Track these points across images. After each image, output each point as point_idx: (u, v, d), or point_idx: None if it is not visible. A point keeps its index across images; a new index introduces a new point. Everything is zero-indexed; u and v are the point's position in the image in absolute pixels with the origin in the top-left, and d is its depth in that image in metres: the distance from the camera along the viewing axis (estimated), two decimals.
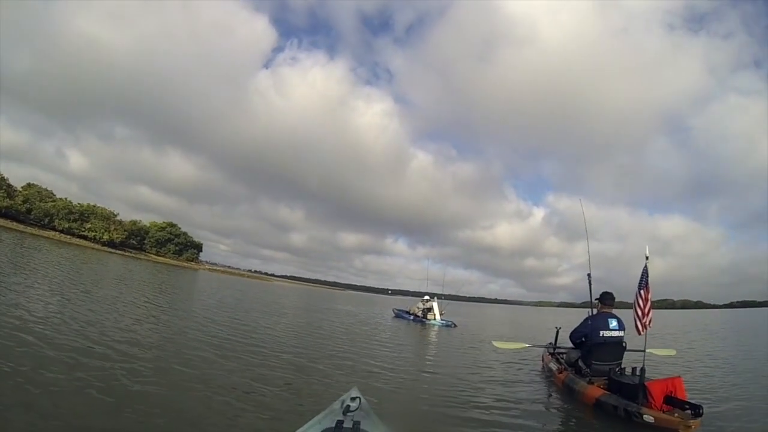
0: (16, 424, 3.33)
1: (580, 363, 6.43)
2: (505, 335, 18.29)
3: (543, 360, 8.45)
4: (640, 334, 5.36)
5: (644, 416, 4.66)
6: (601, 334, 6.21)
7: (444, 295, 25.47)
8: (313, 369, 6.84)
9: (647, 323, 5.32)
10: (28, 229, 51.84)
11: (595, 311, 6.89)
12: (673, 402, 4.81)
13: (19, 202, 55.51)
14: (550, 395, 6.48)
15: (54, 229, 58.63)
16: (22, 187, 59.88)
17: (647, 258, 5.33)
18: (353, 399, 3.07)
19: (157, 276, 28.81)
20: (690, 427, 4.29)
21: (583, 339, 6.51)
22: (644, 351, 5.43)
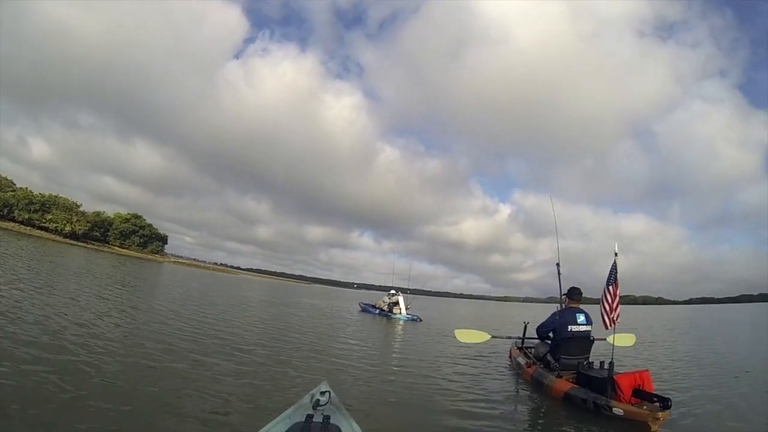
0: None
1: (549, 357, 6.44)
2: (467, 327, 18.38)
3: (511, 354, 8.43)
4: (607, 328, 5.41)
5: (613, 409, 4.69)
6: (569, 329, 6.23)
7: (410, 289, 25.55)
8: (281, 363, 6.66)
9: (615, 318, 5.36)
10: None
11: (561, 306, 6.92)
12: (641, 395, 4.87)
13: None
14: (518, 389, 6.47)
15: (13, 220, 55.85)
16: None
17: (616, 254, 5.35)
18: (323, 393, 3.04)
19: (120, 269, 27.75)
20: (658, 419, 4.33)
21: (551, 334, 6.52)
22: (612, 345, 5.49)
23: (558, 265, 8.17)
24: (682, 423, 4.78)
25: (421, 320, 19.96)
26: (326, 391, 3.07)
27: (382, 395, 5.49)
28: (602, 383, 5.04)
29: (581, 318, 6.34)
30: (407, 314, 20.98)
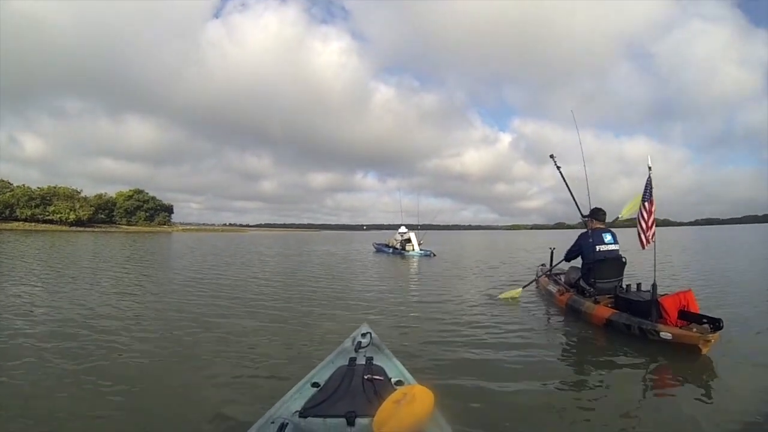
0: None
1: (582, 282, 6.29)
2: (484, 260, 18.69)
3: (539, 282, 8.30)
4: (644, 248, 5.10)
5: (660, 333, 4.47)
6: (598, 249, 6.06)
7: (420, 225, 25.65)
8: (311, 314, 6.66)
9: (651, 237, 5.07)
10: None
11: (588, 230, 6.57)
12: (687, 317, 4.64)
13: None
14: (554, 318, 6.33)
15: (17, 219, 56.08)
16: None
17: (650, 168, 4.96)
18: (364, 335, 3.10)
19: (130, 246, 27.75)
20: (709, 341, 4.12)
21: (581, 257, 6.35)
22: (654, 267, 5.17)
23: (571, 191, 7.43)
24: (733, 344, 4.58)
25: (435, 255, 20.15)
26: (367, 333, 3.13)
27: (416, 333, 5.44)
28: (645, 306, 4.84)
29: (608, 237, 6.19)
30: (420, 250, 21.17)
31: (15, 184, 61.30)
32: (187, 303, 7.48)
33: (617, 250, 6.21)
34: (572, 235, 7.11)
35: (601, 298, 5.80)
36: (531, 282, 8.04)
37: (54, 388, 3.52)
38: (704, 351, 4.16)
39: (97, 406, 3.20)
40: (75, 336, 5.14)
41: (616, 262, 6.11)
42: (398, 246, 22.27)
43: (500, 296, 7.61)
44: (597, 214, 6.41)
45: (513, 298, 7.47)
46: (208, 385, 3.62)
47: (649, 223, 5.02)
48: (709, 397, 3.34)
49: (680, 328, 4.48)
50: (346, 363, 2.63)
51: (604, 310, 5.41)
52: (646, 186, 5.02)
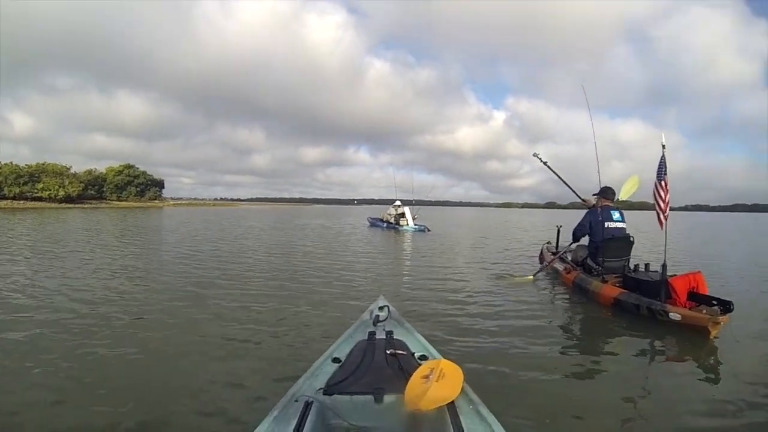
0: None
1: (589, 261, 6.33)
2: (481, 236, 19.03)
3: (543, 259, 8.35)
4: (662, 228, 5.03)
5: (670, 314, 4.49)
6: (606, 226, 6.10)
7: (414, 200, 25.72)
8: (315, 287, 6.75)
9: (667, 216, 4.99)
10: None
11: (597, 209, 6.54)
12: (697, 298, 4.66)
13: None
14: (560, 297, 6.36)
15: (5, 197, 55.41)
16: None
17: (664, 147, 4.88)
18: (381, 308, 3.04)
19: (120, 222, 27.33)
20: (719, 323, 4.12)
21: (588, 235, 6.39)
22: (664, 246, 5.20)
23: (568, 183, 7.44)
24: (742, 326, 4.59)
25: (429, 230, 20.37)
26: (384, 306, 3.06)
27: (427, 308, 5.48)
28: (654, 286, 4.86)
29: (616, 215, 6.21)
30: (415, 225, 21.26)
31: (3, 162, 60.36)
32: (187, 279, 7.37)
33: (625, 229, 6.24)
34: (564, 216, 7.14)
35: (609, 277, 5.82)
36: (540, 270, 7.79)
37: (46, 370, 3.39)
38: (713, 333, 4.17)
39: (98, 388, 3.10)
40: (69, 316, 5.00)
41: (624, 241, 6.14)
42: (392, 221, 22.36)
43: (509, 282, 7.40)
44: (606, 192, 6.40)
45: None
46: (221, 363, 3.56)
47: (666, 201, 4.94)
48: (717, 380, 3.38)
49: (690, 309, 4.49)
50: (366, 337, 2.56)
51: (612, 290, 5.44)
52: (660, 164, 4.95)
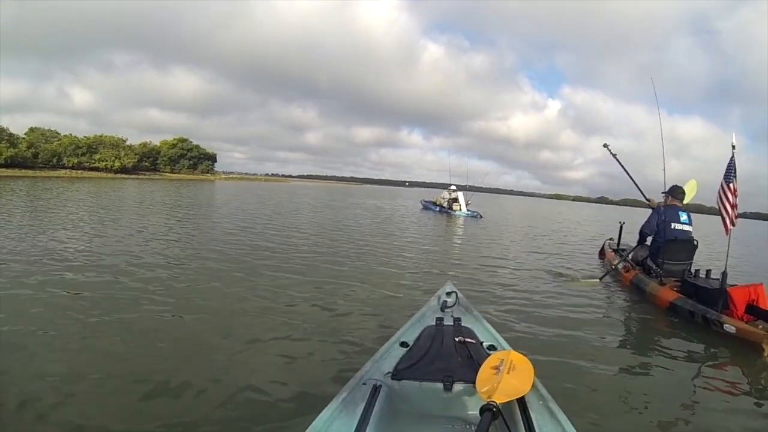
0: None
1: (649, 262, 6.35)
2: (534, 227, 19.00)
3: (605, 256, 8.37)
4: (727, 233, 4.89)
5: (725, 325, 4.39)
6: (672, 227, 6.02)
7: (468, 185, 25.69)
8: (376, 267, 7.01)
9: (734, 218, 4.86)
10: (39, 173, 51.36)
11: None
12: (755, 311, 4.48)
13: (24, 148, 54.67)
14: (617, 295, 6.41)
15: (64, 167, 58.83)
16: (24, 133, 59.26)
17: (734, 147, 4.77)
18: (449, 294, 2.99)
19: (174, 192, 28.03)
20: None
21: (654, 235, 6.31)
22: (726, 254, 4.97)
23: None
24: None
25: (481, 217, 20.37)
26: (452, 292, 3.00)
27: (493, 294, 5.70)
28: (712, 295, 4.76)
29: (684, 216, 6.11)
30: (468, 210, 21.26)
31: (63, 134, 63.48)
32: (242, 251, 7.51)
33: (691, 232, 6.12)
34: (617, 212, 7.05)
35: (667, 280, 5.81)
36: (607, 273, 7.34)
37: (96, 339, 3.48)
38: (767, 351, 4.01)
39: (156, 352, 3.24)
40: (121, 284, 5.12)
41: (687, 244, 6.06)
42: (445, 205, 22.47)
43: (576, 284, 7.02)
44: (675, 191, 6.28)
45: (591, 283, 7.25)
46: (284, 342, 3.60)
47: (734, 205, 4.80)
48: (762, 404, 3.19)
49: (746, 322, 4.36)
50: (433, 323, 2.48)
51: (669, 293, 5.44)
52: (728, 166, 4.80)
